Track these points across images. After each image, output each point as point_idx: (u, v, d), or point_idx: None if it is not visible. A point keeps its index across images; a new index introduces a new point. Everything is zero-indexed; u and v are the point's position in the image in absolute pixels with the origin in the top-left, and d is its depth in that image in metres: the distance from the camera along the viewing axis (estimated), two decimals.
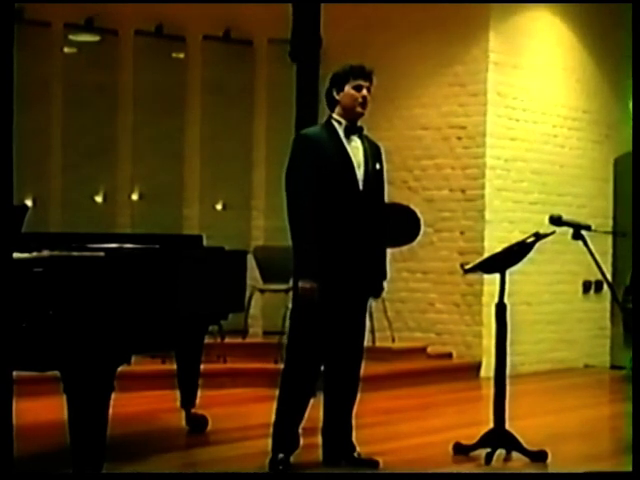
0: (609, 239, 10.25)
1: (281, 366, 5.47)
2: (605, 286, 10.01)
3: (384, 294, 5.77)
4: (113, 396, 4.63)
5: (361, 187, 5.29)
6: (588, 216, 9.23)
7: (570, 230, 5.52)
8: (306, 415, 5.31)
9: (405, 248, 9.80)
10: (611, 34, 10.35)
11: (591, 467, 5.46)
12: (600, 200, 10.66)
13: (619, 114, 10.61)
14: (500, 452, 5.61)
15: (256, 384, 7.88)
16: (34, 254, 4.90)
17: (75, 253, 5.18)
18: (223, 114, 10.13)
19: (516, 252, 5.77)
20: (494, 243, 8.83)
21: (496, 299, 5.74)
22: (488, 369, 8.38)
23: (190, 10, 9.76)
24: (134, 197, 9.97)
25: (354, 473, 5.32)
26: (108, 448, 4.61)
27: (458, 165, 9.64)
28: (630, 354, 8.11)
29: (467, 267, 5.98)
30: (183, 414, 6.39)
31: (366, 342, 5.66)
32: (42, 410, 6.44)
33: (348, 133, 5.32)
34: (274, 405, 5.32)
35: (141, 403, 7.26)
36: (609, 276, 7.08)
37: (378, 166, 5.41)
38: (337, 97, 5.33)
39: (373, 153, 5.40)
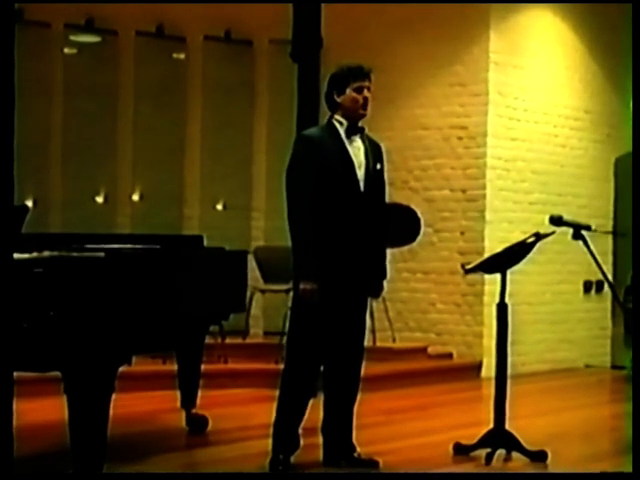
0: (610, 239, 10.25)
1: (282, 367, 5.47)
2: (606, 286, 10.01)
3: (385, 294, 5.79)
4: (114, 396, 4.63)
5: (362, 187, 5.29)
6: (589, 216, 9.24)
7: (570, 230, 5.52)
8: (306, 415, 5.32)
9: (406, 248, 9.81)
10: (612, 34, 10.35)
11: (591, 467, 5.46)
12: (601, 200, 10.66)
13: (620, 114, 10.60)
14: (500, 452, 5.61)
15: (257, 384, 7.88)
16: (34, 254, 4.89)
17: (75, 254, 5.18)
18: (224, 115, 10.13)
19: (517, 252, 5.77)
20: (494, 243, 8.83)
21: (497, 299, 5.74)
22: (489, 369, 8.38)
23: (191, 10, 9.76)
24: (134, 197, 9.98)
25: (354, 473, 5.32)
26: (108, 448, 4.61)
27: (458, 165, 9.64)
28: (631, 354, 8.10)
29: (468, 267, 5.99)
30: (183, 414, 6.39)
31: (367, 342, 5.66)
32: (43, 410, 6.45)
33: (349, 133, 5.32)
34: (274, 405, 5.33)
35: (142, 403, 7.27)
36: (610, 276, 7.07)
37: (379, 166, 5.41)
38: (338, 100, 5.33)
39: (374, 153, 5.40)
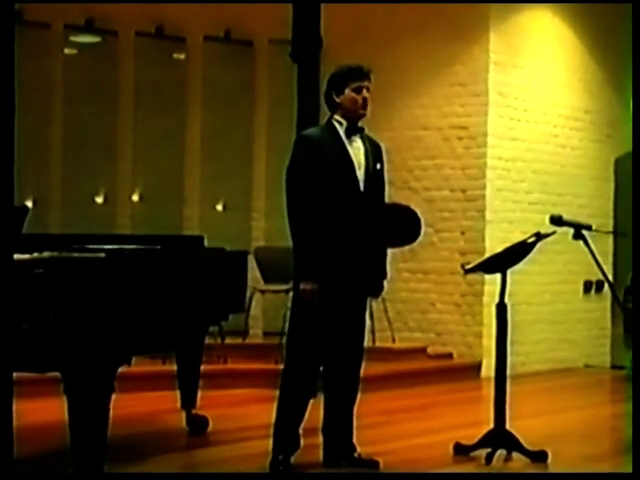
0: (610, 239, 10.25)
1: (281, 367, 5.47)
2: (606, 286, 10.01)
3: (385, 294, 5.79)
4: (113, 397, 4.63)
5: (362, 187, 5.29)
6: (589, 216, 9.23)
7: (571, 230, 5.52)
8: (306, 415, 5.32)
9: (406, 248, 9.81)
10: (612, 33, 10.35)
11: (591, 467, 5.47)
12: (601, 200, 10.66)
13: (620, 114, 10.60)
14: (500, 452, 5.61)
15: (256, 385, 7.88)
16: (34, 255, 4.89)
17: (75, 254, 5.18)
18: (223, 115, 10.13)
19: (517, 252, 5.77)
20: (495, 243, 8.83)
21: (497, 299, 5.74)
22: (488, 369, 8.37)
23: (190, 11, 9.76)
24: (134, 198, 9.97)
25: (354, 473, 5.32)
26: (109, 449, 4.61)
27: (458, 165, 9.64)
28: (630, 354, 8.10)
29: (468, 267, 5.98)
30: (183, 415, 6.39)
31: (366, 342, 5.66)
32: (42, 411, 6.44)
33: (349, 133, 5.32)
34: (274, 406, 5.33)
35: (141, 404, 7.26)
36: (610, 276, 7.07)
37: (379, 166, 5.41)
38: (337, 100, 5.33)
39: (374, 153, 5.40)
